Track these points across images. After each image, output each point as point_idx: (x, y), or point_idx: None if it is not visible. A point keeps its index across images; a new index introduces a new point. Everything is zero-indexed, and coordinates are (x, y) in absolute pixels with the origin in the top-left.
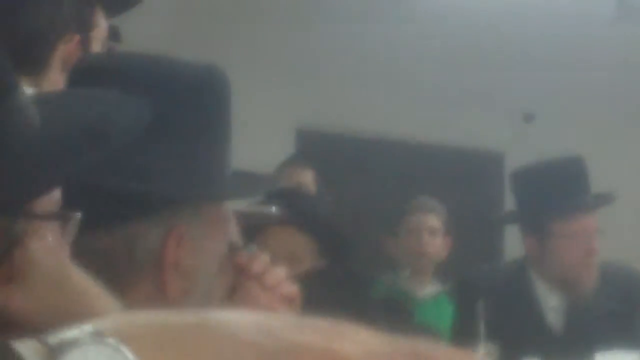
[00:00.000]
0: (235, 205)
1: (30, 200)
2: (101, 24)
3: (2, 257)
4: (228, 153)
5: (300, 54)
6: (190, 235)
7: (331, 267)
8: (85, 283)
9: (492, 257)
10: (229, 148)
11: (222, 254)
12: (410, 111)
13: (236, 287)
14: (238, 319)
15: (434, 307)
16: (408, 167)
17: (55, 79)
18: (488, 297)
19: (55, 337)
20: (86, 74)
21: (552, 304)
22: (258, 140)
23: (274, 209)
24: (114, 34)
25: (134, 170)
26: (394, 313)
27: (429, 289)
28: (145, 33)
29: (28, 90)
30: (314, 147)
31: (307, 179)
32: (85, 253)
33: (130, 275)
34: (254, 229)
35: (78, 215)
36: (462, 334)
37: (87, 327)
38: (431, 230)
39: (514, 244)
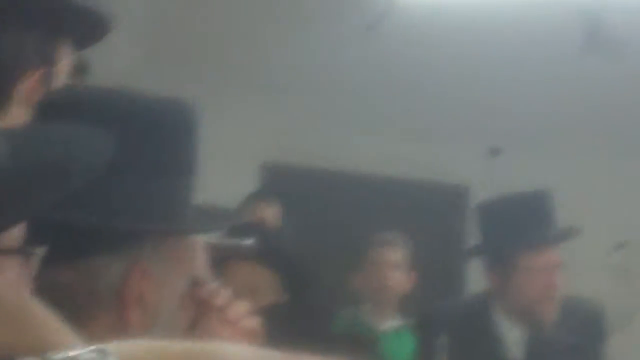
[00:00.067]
0: (208, 238)
1: None
2: (65, 58)
3: None
4: (192, 187)
5: (266, 88)
6: (152, 269)
7: (293, 301)
8: (45, 317)
9: (455, 291)
10: (193, 182)
11: (184, 287)
12: (375, 145)
13: (198, 320)
14: (236, 350)
15: (396, 340)
16: (372, 201)
17: (17, 114)
18: (450, 331)
19: (59, 355)
20: (51, 108)
21: (513, 338)
22: (223, 174)
23: (250, 241)
24: (82, 68)
25: (96, 204)
26: (357, 347)
27: (391, 323)
28: (111, 66)
29: None
30: (278, 181)
31: (271, 213)
32: (47, 287)
33: (91, 309)
34: (216, 263)
35: (41, 250)
36: None
37: (90, 347)
38: (393, 265)
39: (476, 277)
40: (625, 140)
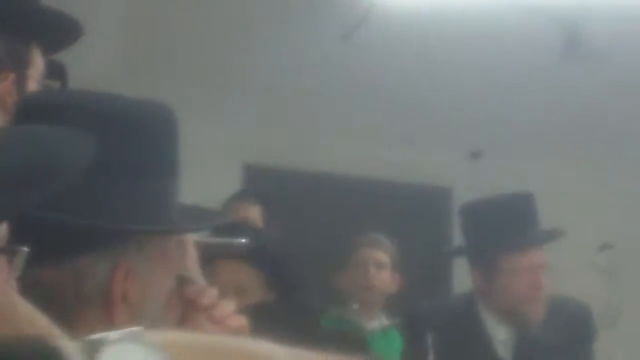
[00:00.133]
0: (198, 237)
1: None
2: (37, 62)
3: None
4: (175, 188)
5: (249, 89)
6: (137, 269)
7: (279, 300)
8: (32, 316)
9: (441, 292)
10: (176, 183)
11: (170, 287)
12: (358, 147)
13: (184, 320)
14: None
15: (383, 340)
16: (356, 202)
17: None
18: (437, 331)
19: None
20: (31, 110)
21: (500, 337)
22: (206, 175)
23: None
24: (60, 71)
25: (80, 204)
26: (346, 345)
27: (377, 323)
28: (89, 69)
29: None
30: (261, 182)
31: (254, 214)
32: (32, 287)
33: (77, 309)
34: (203, 262)
35: (25, 249)
36: None
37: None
38: (378, 265)
39: (462, 278)
40: (604, 145)
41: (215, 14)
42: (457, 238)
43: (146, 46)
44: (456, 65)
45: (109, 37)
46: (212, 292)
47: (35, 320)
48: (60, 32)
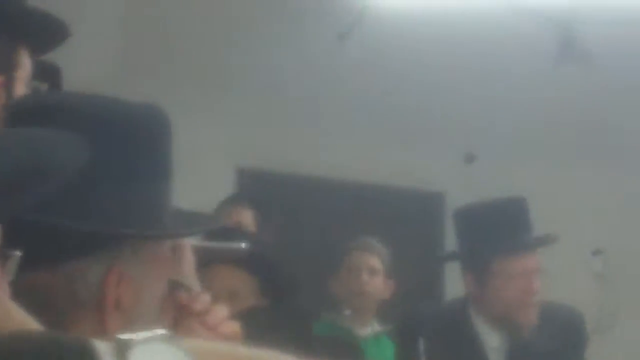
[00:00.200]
0: (195, 241)
1: None
2: (25, 64)
3: None
4: (168, 192)
5: (242, 92)
6: (130, 273)
7: (273, 305)
8: (24, 321)
9: (433, 297)
10: (169, 187)
11: (163, 292)
12: (351, 151)
13: (177, 325)
14: None
15: (375, 346)
16: (349, 206)
17: None
18: (429, 337)
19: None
20: (24, 113)
21: (493, 344)
22: (199, 179)
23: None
24: (54, 73)
25: (73, 208)
26: (339, 350)
27: (370, 328)
28: (82, 71)
29: None
30: (254, 186)
31: (247, 218)
32: (25, 291)
33: (70, 313)
34: (198, 267)
35: (18, 253)
36: None
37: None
38: (371, 270)
39: (455, 283)
40: (598, 149)
41: (214, 17)
42: (451, 243)
43: (143, 48)
44: (450, 69)
45: (105, 38)
46: (205, 298)
47: (28, 325)
48: (47, 33)
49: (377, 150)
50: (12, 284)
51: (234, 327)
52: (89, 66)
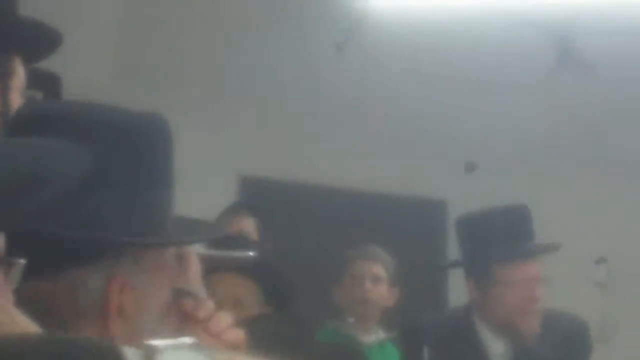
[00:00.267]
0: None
1: None
2: (19, 72)
3: None
4: (170, 200)
5: (244, 100)
6: (133, 281)
7: (277, 312)
8: (28, 329)
9: (437, 305)
10: (171, 195)
11: (167, 299)
12: (354, 159)
13: (182, 332)
14: None
15: (379, 354)
16: (351, 215)
17: None
18: (433, 345)
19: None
20: (25, 122)
21: (497, 351)
22: (201, 187)
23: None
24: (54, 83)
25: (75, 217)
26: (344, 358)
27: (374, 337)
28: (83, 80)
29: None
30: (257, 195)
31: (249, 226)
32: (29, 299)
33: (73, 321)
34: (204, 274)
35: (22, 261)
36: None
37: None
38: (374, 278)
39: (458, 291)
40: (598, 158)
41: (215, 25)
42: (453, 251)
43: (143, 56)
44: (450, 78)
45: (106, 47)
46: (209, 305)
47: (30, 332)
48: (40, 41)
49: (379, 158)
50: (16, 292)
51: (238, 334)
52: (87, 69)
